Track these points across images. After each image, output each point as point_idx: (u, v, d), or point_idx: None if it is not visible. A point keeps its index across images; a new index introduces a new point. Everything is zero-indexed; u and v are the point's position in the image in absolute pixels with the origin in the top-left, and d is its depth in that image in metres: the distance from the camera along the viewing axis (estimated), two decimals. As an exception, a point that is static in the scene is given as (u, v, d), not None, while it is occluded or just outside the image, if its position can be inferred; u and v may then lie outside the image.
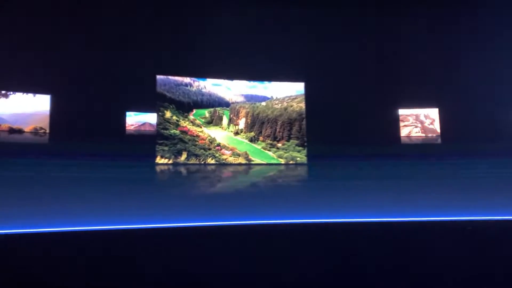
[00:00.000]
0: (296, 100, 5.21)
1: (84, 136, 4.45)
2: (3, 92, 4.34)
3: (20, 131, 4.32)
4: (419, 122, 5.25)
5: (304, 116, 5.14)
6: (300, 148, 5.07)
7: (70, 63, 4.53)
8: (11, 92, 4.37)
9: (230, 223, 4.37)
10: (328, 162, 4.96)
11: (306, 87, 5.22)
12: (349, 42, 5.25)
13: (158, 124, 4.79)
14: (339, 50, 5.25)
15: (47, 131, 4.40)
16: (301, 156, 5.05)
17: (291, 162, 5.02)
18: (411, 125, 5.23)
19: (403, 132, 5.23)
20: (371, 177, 4.93)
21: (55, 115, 4.43)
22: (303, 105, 5.17)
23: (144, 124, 4.76)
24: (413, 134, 5.23)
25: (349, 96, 5.18)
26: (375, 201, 4.76)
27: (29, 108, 4.40)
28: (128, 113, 4.70)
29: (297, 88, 5.24)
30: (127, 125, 4.65)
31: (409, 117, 5.26)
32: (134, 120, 4.71)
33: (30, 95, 4.42)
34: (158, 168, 4.76)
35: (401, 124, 5.24)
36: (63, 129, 4.43)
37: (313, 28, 5.23)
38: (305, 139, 5.08)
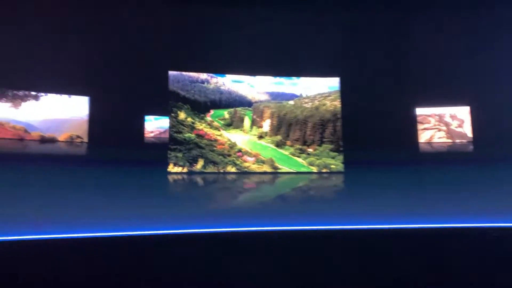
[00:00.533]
0: (330, 97, 4.63)
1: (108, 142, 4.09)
2: (33, 93, 3.94)
3: (52, 140, 3.96)
4: (443, 124, 4.51)
5: (339, 116, 4.56)
6: (335, 153, 4.51)
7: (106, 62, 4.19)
8: (43, 94, 3.98)
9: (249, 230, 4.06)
10: (368, 169, 4.35)
11: (341, 83, 4.62)
12: (380, 32, 4.68)
13: (171, 127, 4.31)
14: (374, 40, 4.67)
15: (85, 139, 4.04)
16: (336, 163, 4.47)
17: (324, 170, 4.47)
18: (433, 128, 4.52)
19: (423, 137, 4.49)
20: (419, 185, 4.34)
21: (94, 120, 4.07)
22: (337, 103, 4.59)
23: (165, 131, 4.30)
24: (435, 140, 4.51)
25: (391, 92, 4.54)
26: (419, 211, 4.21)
27: (64, 112, 4.02)
28: (148, 117, 4.27)
29: (330, 84, 4.64)
30: (145, 131, 4.22)
31: (430, 118, 4.53)
32: (155, 125, 4.27)
33: (65, 96, 4.04)
34: (170, 178, 4.28)
35: (420, 126, 4.51)
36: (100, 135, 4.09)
37: (345, 17, 4.67)
38: (341, 143, 4.52)
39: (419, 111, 4.53)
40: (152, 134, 4.26)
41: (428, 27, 4.63)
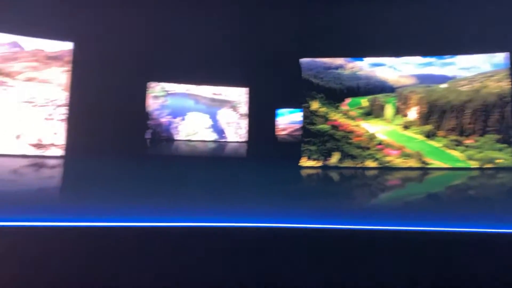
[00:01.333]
0: (495, 77, 4.00)
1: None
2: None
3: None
4: None
5: (508, 99, 3.90)
6: (503, 145, 3.88)
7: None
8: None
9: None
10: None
11: None
12: None
13: (304, 118, 4.21)
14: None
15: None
16: (504, 157, 3.85)
17: (488, 165, 3.88)
18: None
19: None
20: None
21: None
22: (505, 84, 3.94)
23: (300, 127, 4.21)
24: None
25: None
26: None
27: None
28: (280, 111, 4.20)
29: (494, 61, 3.99)
30: (277, 128, 4.16)
31: None
32: (288, 120, 4.19)
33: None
34: (303, 172, 4.16)
35: None
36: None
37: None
38: (511, 132, 3.86)
39: None
40: (285, 132, 4.17)
41: None
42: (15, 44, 3.78)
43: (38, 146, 3.71)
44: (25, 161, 3.65)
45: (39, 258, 3.37)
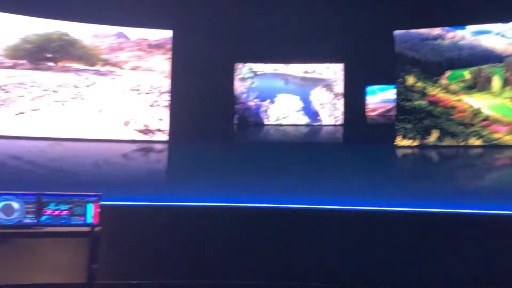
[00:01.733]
0: None
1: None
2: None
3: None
4: None
5: None
6: None
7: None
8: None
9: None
10: None
11: None
12: None
13: (398, 94, 4.14)
14: None
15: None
16: None
17: None
18: None
19: None
20: None
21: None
22: None
23: (393, 107, 4.10)
24: None
25: None
26: None
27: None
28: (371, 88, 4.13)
29: None
30: (367, 108, 4.12)
31: None
32: (379, 98, 4.11)
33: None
34: (399, 152, 4.12)
35: None
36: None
37: None
38: None
39: None
40: (375, 113, 4.10)
41: None
42: (120, 35, 4.16)
43: (145, 131, 4.10)
44: (133, 146, 4.06)
45: (148, 234, 3.73)
